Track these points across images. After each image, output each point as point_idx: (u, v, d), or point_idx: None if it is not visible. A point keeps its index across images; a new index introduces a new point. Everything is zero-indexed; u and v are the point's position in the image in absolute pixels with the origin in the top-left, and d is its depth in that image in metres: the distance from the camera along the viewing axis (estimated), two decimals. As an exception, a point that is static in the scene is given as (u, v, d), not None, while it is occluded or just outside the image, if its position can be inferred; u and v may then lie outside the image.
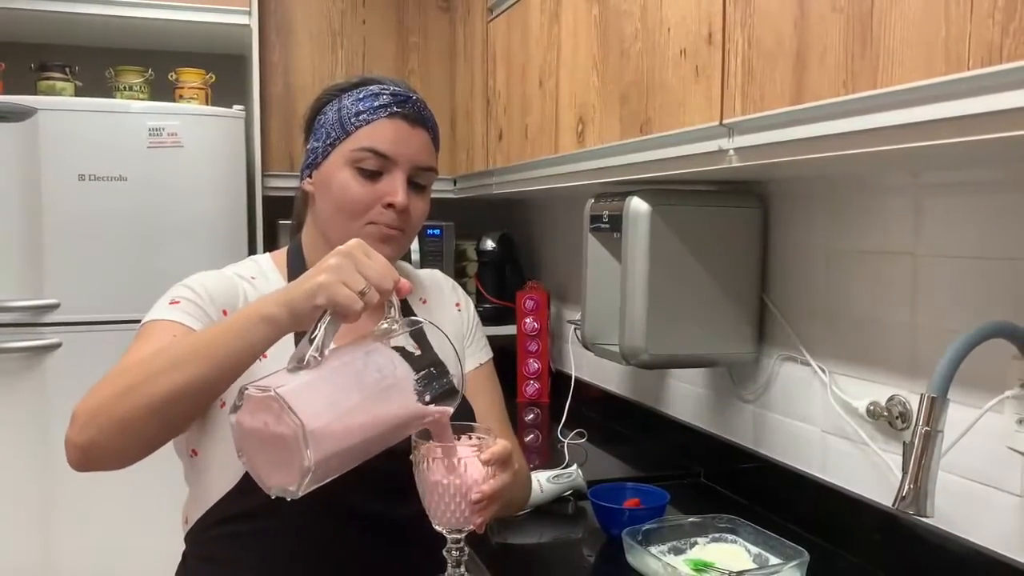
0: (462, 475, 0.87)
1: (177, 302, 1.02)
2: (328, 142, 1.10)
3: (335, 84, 1.16)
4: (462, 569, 0.90)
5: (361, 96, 1.10)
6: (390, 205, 1.07)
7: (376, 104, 1.08)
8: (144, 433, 0.85)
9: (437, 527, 0.90)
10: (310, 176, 1.13)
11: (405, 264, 1.26)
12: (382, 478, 0.95)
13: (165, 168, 2.20)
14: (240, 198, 2.32)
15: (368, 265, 0.82)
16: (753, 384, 1.63)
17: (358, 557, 1.05)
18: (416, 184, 1.11)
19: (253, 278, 1.10)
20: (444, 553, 0.90)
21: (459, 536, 0.90)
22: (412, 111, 1.10)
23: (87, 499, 2.11)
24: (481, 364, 1.24)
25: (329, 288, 0.80)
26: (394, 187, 1.07)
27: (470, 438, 0.92)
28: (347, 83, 1.14)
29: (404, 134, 1.09)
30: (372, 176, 1.07)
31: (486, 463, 0.88)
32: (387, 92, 1.10)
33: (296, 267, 1.13)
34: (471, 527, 0.89)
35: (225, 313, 1.03)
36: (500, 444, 0.90)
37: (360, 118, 1.08)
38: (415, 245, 2.58)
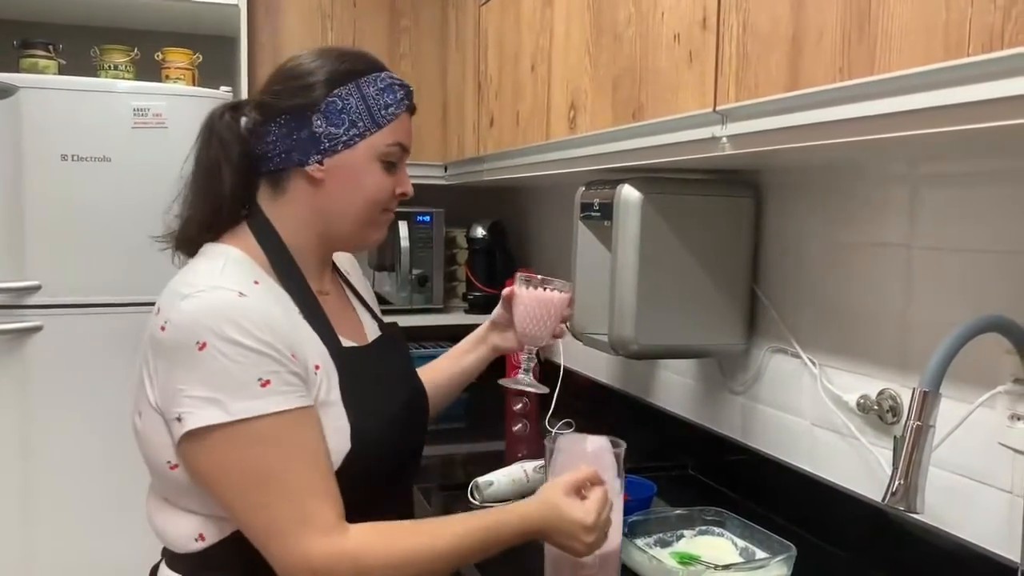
0: (555, 301, 1.27)
1: (267, 382, 0.92)
2: (355, 132, 1.06)
3: (338, 65, 1.08)
4: (531, 374, 1.31)
5: (382, 87, 1.09)
6: (402, 194, 1.13)
7: (398, 97, 1.10)
8: None
9: (524, 342, 1.30)
10: (320, 163, 1.06)
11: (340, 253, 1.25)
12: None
13: (150, 149, 2.16)
14: (226, 181, 2.28)
15: (605, 524, 1.04)
16: (743, 376, 1.61)
17: None
18: None
19: (256, 283, 1.01)
20: (523, 359, 1.32)
21: (534, 350, 1.31)
22: (413, 103, 1.15)
23: (68, 484, 2.09)
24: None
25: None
26: (405, 178, 1.13)
27: (554, 287, 1.29)
28: (355, 65, 1.08)
29: (411, 127, 1.14)
30: (391, 168, 1.11)
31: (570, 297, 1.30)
32: (398, 83, 1.11)
33: (276, 254, 1.06)
34: (548, 342, 1.31)
35: (294, 357, 0.95)
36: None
37: (389, 112, 1.09)
38: (404, 231, 2.56)
